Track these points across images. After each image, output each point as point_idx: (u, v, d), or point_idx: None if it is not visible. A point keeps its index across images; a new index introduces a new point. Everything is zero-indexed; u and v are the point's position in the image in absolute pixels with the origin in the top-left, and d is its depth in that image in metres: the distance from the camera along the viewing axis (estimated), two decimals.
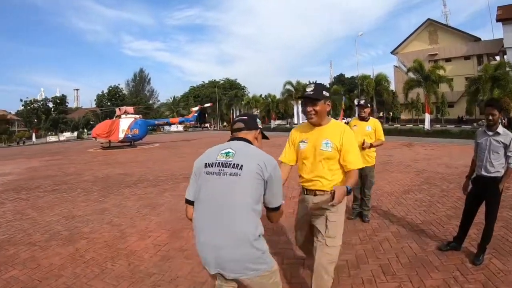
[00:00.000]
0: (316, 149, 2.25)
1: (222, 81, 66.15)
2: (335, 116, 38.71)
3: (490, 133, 2.98)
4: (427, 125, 21.57)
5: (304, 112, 2.29)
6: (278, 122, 49.81)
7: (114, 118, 23.65)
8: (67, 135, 51.91)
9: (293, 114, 44.69)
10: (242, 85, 66.19)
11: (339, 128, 2.27)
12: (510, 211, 4.37)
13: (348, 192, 1.92)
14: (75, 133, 51.29)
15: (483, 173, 3.01)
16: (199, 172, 1.72)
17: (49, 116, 48.82)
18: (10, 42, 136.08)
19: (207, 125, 51.04)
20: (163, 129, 49.34)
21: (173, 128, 49.80)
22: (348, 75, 61.53)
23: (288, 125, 43.04)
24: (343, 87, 44.40)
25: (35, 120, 49.51)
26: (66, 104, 53.39)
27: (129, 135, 21.80)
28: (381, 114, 48.02)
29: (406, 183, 6.46)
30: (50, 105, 50.26)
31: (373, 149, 4.30)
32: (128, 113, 23.25)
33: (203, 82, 68.23)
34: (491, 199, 3.00)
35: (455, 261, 3.04)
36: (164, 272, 3.20)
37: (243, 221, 1.58)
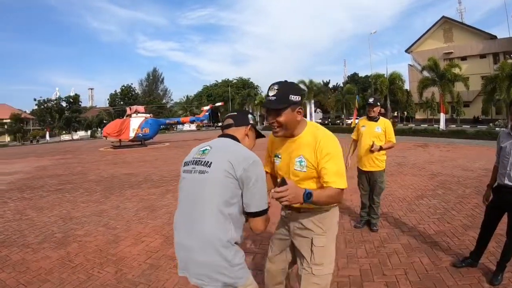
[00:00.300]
0: (290, 168, 1.77)
1: (235, 80, 65.99)
2: (349, 115, 38.25)
3: None
4: (442, 125, 21.08)
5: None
6: None
7: (124, 117, 23.79)
8: (80, 134, 52.84)
9: (305, 114, 44.17)
10: (255, 84, 65.90)
11: (314, 137, 1.70)
12: None
13: (304, 199, 1.44)
14: (89, 132, 52.14)
15: (507, 182, 2.59)
16: (180, 171, 1.63)
17: (63, 115, 49.65)
18: (27, 43, 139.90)
19: (220, 124, 51.05)
20: (176, 128, 49.57)
21: (186, 127, 49.95)
22: (362, 74, 60.74)
23: None
24: (357, 86, 43.65)
25: (49, 119, 50.42)
26: (79, 103, 54.18)
27: (140, 134, 21.86)
28: (395, 113, 47.10)
29: (420, 187, 6.09)
30: (64, 104, 51.08)
31: (383, 152, 3.95)
32: (138, 112, 23.33)
33: (216, 81, 68.32)
34: None
35: (471, 280, 2.71)
36: (150, 282, 3.00)
37: (210, 224, 1.41)
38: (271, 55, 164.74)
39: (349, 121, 34.94)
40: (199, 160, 1.51)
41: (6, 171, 11.90)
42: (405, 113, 44.18)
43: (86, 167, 11.82)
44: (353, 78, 57.93)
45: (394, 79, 33.94)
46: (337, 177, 1.62)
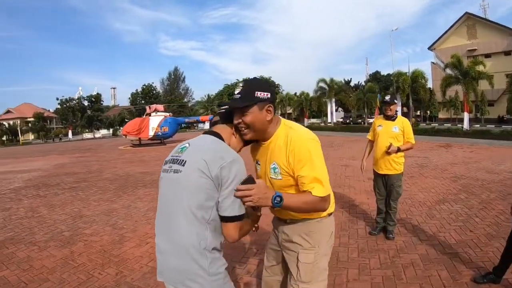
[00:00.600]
0: (267, 176, 1.58)
1: None
2: (370, 114, 37.34)
3: None
4: (466, 125, 20.27)
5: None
6: (312, 120, 48.67)
7: (144, 116, 24.11)
8: (103, 132, 54.25)
9: (327, 113, 43.24)
10: (276, 83, 65.57)
11: (285, 140, 1.48)
12: None
13: (273, 203, 1.32)
14: (111, 130, 53.41)
15: None
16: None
17: (85, 113, 51.05)
18: (53, 43, 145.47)
19: None
20: (197, 126, 50.04)
21: (207, 125, 50.38)
22: (384, 72, 59.02)
23: (322, 124, 41.88)
24: (379, 85, 42.57)
25: (71, 118, 51.96)
26: (101, 102, 55.53)
27: (159, 132, 22.08)
28: (418, 112, 45.64)
29: (441, 191, 5.72)
30: (86, 103, 52.53)
31: (401, 154, 3.67)
32: (158, 111, 23.58)
33: (237, 80, 68.48)
34: None
35: None
36: (148, 287, 2.89)
37: (184, 228, 1.27)
38: (292, 54, 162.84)
39: (370, 120, 34.20)
40: (176, 159, 1.37)
41: (26, 169, 12.28)
42: (428, 112, 42.83)
43: (103, 165, 12.01)
44: (375, 77, 56.57)
45: (417, 77, 32.75)
46: (315, 183, 1.42)
